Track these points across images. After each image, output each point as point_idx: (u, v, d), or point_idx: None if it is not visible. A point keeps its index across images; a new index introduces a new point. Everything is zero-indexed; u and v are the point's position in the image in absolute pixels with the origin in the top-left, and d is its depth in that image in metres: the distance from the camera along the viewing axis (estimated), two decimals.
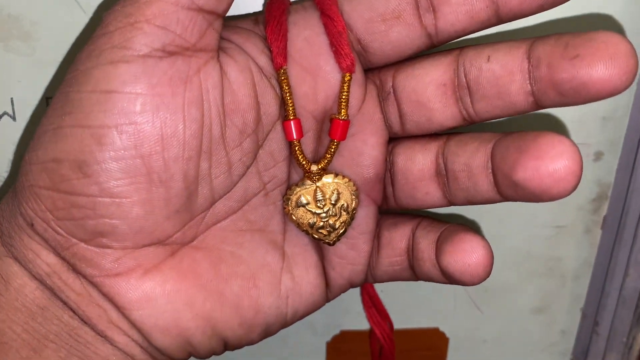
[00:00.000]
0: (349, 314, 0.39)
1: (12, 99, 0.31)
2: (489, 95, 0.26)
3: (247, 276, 0.28)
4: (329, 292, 0.30)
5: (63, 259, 0.26)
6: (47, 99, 0.31)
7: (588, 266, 0.38)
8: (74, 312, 0.26)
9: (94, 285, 0.26)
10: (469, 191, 0.27)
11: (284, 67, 0.27)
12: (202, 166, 0.26)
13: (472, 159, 0.27)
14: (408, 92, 0.28)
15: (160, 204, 0.25)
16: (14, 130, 0.31)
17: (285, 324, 0.29)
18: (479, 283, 0.27)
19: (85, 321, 0.26)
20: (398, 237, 0.30)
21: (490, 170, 0.26)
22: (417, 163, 0.29)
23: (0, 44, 0.30)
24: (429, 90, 0.27)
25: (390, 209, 0.31)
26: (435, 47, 0.27)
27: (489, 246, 0.27)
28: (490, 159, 0.26)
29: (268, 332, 0.29)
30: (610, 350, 0.39)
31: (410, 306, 0.38)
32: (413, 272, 0.30)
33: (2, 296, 0.26)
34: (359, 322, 0.39)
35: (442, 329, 0.40)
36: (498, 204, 0.29)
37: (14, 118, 0.31)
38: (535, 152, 0.24)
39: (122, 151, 0.24)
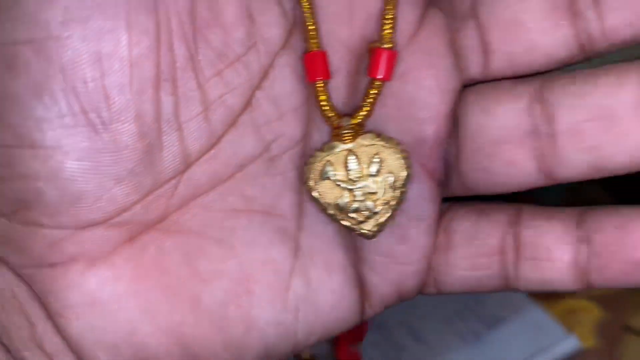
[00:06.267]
0: None
1: None
2: None
3: (238, 276, 0.20)
4: (368, 304, 0.22)
5: None
6: None
7: None
8: None
9: (21, 279, 0.19)
10: (601, 149, 0.20)
11: None
12: (164, 102, 0.18)
13: (615, 97, 0.20)
14: (501, 8, 0.21)
15: (106, 158, 0.18)
16: None
17: (296, 346, 0.21)
18: None
19: None
20: (488, 230, 0.22)
21: None
22: (498, 117, 0.21)
23: None
24: (533, 4, 0.20)
25: (453, 192, 0.22)
26: None
27: None
28: None
29: (269, 356, 0.21)
30: None
31: None
32: (507, 280, 0.22)
33: None
34: None
35: None
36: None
37: None
38: None
39: (44, 78, 0.17)
